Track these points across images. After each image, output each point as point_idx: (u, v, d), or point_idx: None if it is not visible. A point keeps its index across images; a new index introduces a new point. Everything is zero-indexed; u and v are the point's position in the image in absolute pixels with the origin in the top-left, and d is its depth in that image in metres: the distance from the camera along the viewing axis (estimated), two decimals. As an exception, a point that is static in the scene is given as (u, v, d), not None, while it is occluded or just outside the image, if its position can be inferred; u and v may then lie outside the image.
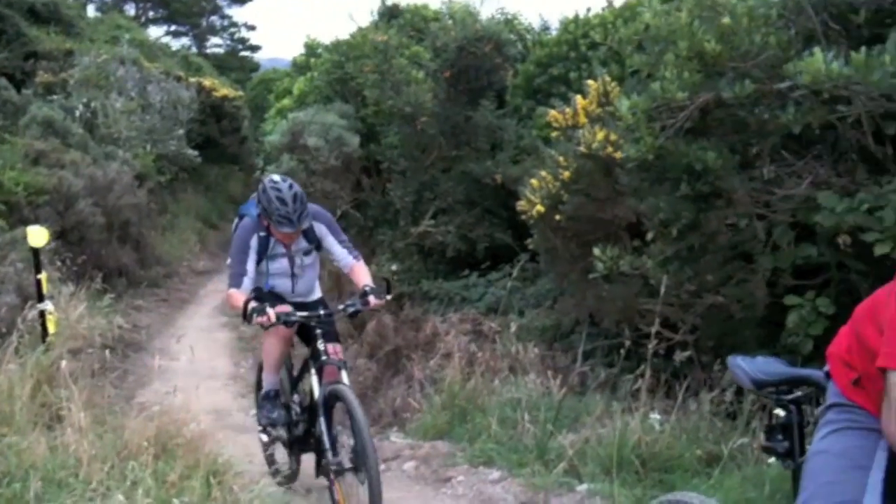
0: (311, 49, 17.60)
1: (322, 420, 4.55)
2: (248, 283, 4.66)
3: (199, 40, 40.39)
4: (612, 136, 6.16)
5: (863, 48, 4.28)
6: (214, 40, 41.32)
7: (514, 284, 8.98)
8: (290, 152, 11.86)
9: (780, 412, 2.24)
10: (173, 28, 39.08)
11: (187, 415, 4.55)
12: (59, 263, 8.73)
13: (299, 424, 5.03)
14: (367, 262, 5.62)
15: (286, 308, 4.56)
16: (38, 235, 5.95)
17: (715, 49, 4.92)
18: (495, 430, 5.71)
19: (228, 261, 4.83)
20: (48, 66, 16.73)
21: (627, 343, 5.53)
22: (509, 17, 13.79)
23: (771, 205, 5.25)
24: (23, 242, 7.13)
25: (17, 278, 7.40)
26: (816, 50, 4.33)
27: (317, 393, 4.64)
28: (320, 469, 4.75)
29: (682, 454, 4.83)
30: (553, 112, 7.60)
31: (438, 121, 11.19)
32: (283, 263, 4.90)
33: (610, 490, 4.57)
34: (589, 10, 11.26)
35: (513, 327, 7.39)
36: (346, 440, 4.60)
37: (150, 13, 38.17)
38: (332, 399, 4.58)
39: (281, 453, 5.32)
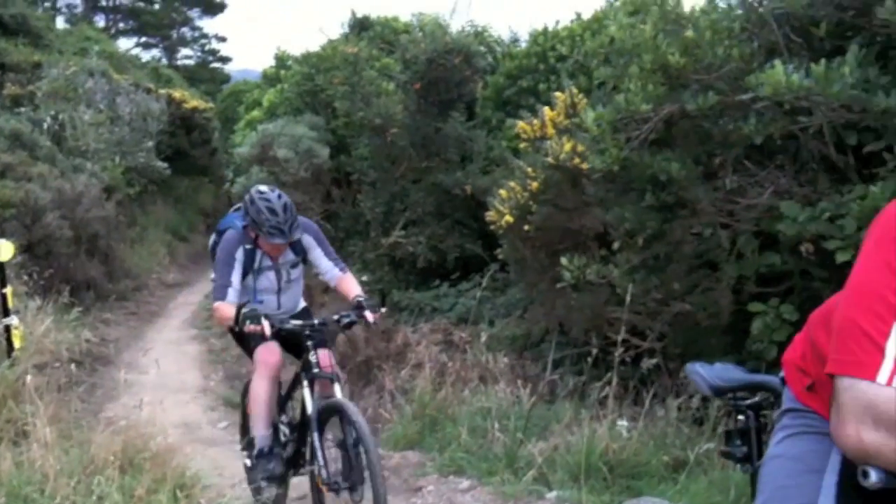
0: (282, 61, 17.59)
1: (316, 436, 4.34)
2: (233, 294, 4.50)
3: (170, 52, 40.28)
4: (580, 148, 6.22)
5: (823, 60, 4.38)
6: (185, 52, 41.30)
7: (485, 294, 9.02)
8: (259, 164, 11.85)
9: (739, 418, 2.30)
10: (143, 40, 38.97)
11: (154, 428, 4.52)
12: (25, 277, 8.63)
13: (288, 445, 4.80)
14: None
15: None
16: (3, 249, 5.89)
17: (679, 62, 4.99)
18: (465, 440, 5.74)
19: (212, 275, 4.70)
20: (16, 78, 16.56)
21: (595, 351, 5.58)
22: (479, 29, 13.88)
23: (735, 214, 5.32)
24: (-12, 256, 7.05)
25: (-18, 293, 7.32)
26: (777, 62, 4.41)
27: (310, 407, 4.43)
28: (313, 487, 4.55)
29: (650, 460, 4.89)
30: (521, 123, 7.67)
31: (409, 132, 11.23)
32: (270, 278, 4.75)
33: (578, 497, 4.62)
34: (558, 22, 11.36)
35: (483, 337, 7.42)
36: (336, 457, 4.42)
37: (120, 25, 38.01)
38: (326, 413, 4.39)
39: None
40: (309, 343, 4.51)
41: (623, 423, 5.20)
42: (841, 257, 4.56)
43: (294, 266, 4.84)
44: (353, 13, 15.80)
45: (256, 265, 4.67)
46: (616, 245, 6.07)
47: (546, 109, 7.35)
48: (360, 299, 4.64)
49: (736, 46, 4.96)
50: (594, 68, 6.64)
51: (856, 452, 1.36)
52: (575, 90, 7.31)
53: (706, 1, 5.57)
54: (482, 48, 12.46)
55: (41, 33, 20.94)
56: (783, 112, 4.75)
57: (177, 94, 22.59)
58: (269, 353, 4.58)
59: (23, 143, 12.56)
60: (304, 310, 5.07)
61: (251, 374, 4.79)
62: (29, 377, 4.86)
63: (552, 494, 4.82)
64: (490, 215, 7.52)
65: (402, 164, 11.50)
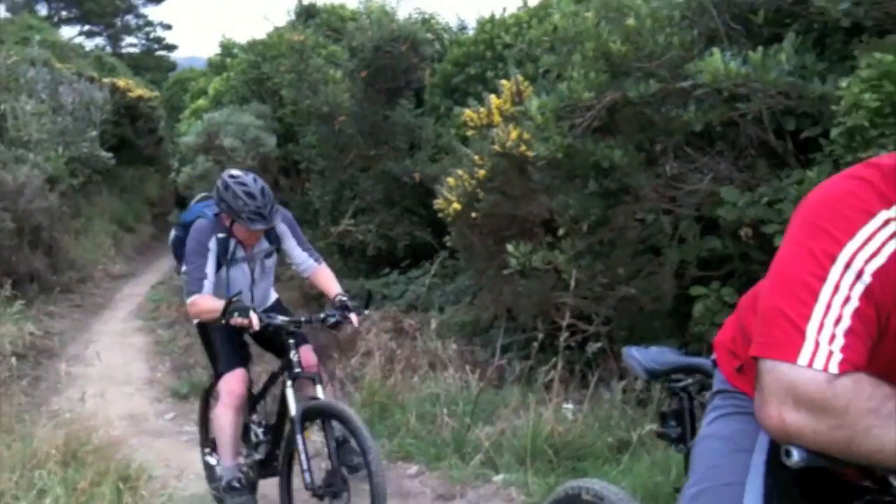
0: (227, 49, 17.38)
1: (300, 438, 4.07)
2: (209, 286, 4.22)
3: (114, 40, 39.40)
4: (525, 135, 6.26)
5: (760, 48, 4.46)
6: (129, 40, 40.36)
7: (434, 281, 9.06)
8: (205, 153, 11.71)
9: (673, 400, 2.35)
10: (87, 28, 38.03)
11: (98, 421, 4.47)
12: (-34, 271, 8.48)
13: (260, 447, 4.59)
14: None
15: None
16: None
17: (621, 50, 5.05)
18: (414, 426, 5.77)
19: (183, 268, 4.42)
20: (-45, 68, 16.15)
21: (540, 336, 5.65)
22: (426, 16, 13.84)
23: (676, 200, 5.41)
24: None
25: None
26: (715, 50, 4.48)
27: (293, 409, 4.16)
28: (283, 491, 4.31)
29: (594, 442, 4.97)
30: (468, 111, 7.69)
31: (356, 120, 11.17)
32: (244, 270, 4.49)
33: (524, 479, 4.69)
34: (504, 10, 11.38)
35: (433, 324, 7.44)
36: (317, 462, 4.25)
37: (63, 13, 37.09)
38: (310, 416, 4.18)
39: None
40: (291, 341, 4.28)
41: (569, 406, 5.28)
42: (779, 241, 4.59)
43: (268, 256, 4.61)
44: (300, 0, 15.65)
45: (230, 256, 4.41)
46: (561, 231, 6.13)
47: (492, 97, 7.38)
48: (345, 300, 4.45)
49: (676, 34, 5.02)
50: (539, 56, 6.67)
51: (778, 433, 1.40)
52: (521, 78, 7.34)
53: (648, -11, 5.63)
54: (429, 35, 12.42)
55: (-20, 22, 20.43)
56: (722, 99, 4.84)
57: (121, 82, 22.19)
58: (236, 383, 4.36)
59: (-38, 134, 12.29)
60: (276, 303, 4.86)
61: (217, 393, 4.51)
62: (-31, 372, 4.78)
63: (499, 478, 4.88)
64: (438, 203, 7.54)
65: (351, 153, 11.44)
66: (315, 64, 11.54)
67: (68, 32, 34.95)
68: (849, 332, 1.37)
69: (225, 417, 4.35)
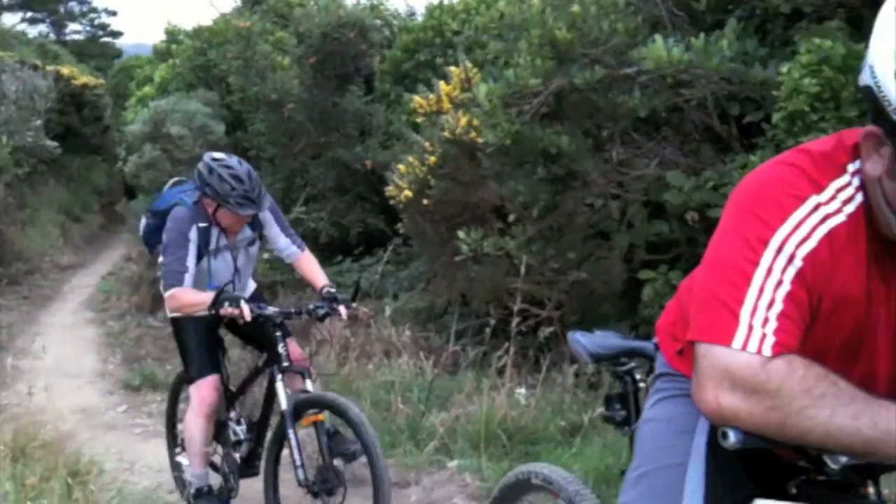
0: (172, 35, 17.07)
1: (291, 433, 3.89)
2: (189, 280, 3.99)
3: (58, 27, 38.53)
4: (475, 122, 6.28)
5: (702, 34, 4.53)
6: (73, 27, 39.46)
7: (388, 268, 9.05)
8: (152, 142, 11.51)
9: (617, 383, 2.40)
10: (29, 15, 37.09)
11: (47, 415, 4.41)
12: None
13: (242, 445, 4.38)
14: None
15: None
16: None
17: (566, 36, 5.08)
18: (369, 413, 5.77)
19: (161, 258, 4.19)
20: None
21: (493, 322, 5.69)
22: (374, 3, 13.76)
23: (624, 185, 5.49)
24: None
25: None
26: (658, 37, 4.55)
27: (284, 403, 3.97)
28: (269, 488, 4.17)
29: (547, 426, 5.03)
30: (418, 98, 7.69)
31: (306, 107, 11.08)
32: (226, 259, 4.26)
33: (478, 464, 4.73)
34: (453, -4, 11.37)
35: (387, 311, 7.44)
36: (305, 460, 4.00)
37: (5, 0, 36.24)
38: (302, 408, 3.97)
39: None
40: (278, 333, 4.09)
41: (521, 390, 5.33)
42: (724, 224, 4.74)
43: (251, 244, 4.38)
44: (247, -14, 15.45)
45: (213, 245, 4.17)
46: (512, 217, 6.17)
47: (442, 84, 7.39)
48: (333, 291, 4.30)
49: (621, 21, 5.07)
50: (486, 43, 6.70)
51: (715, 415, 1.43)
52: (469, 65, 7.36)
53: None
54: (378, 22, 12.36)
55: (-83, 9, 19.89)
56: (667, 85, 4.91)
57: (65, 70, 21.75)
58: (208, 390, 4.17)
59: None
60: (256, 292, 4.68)
61: (187, 395, 4.39)
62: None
63: (453, 463, 4.92)
64: (390, 190, 7.53)
65: (301, 140, 11.35)
66: (262, 50, 11.42)
67: (10, 20, 34.09)
68: (781, 316, 1.40)
69: (196, 426, 4.20)
